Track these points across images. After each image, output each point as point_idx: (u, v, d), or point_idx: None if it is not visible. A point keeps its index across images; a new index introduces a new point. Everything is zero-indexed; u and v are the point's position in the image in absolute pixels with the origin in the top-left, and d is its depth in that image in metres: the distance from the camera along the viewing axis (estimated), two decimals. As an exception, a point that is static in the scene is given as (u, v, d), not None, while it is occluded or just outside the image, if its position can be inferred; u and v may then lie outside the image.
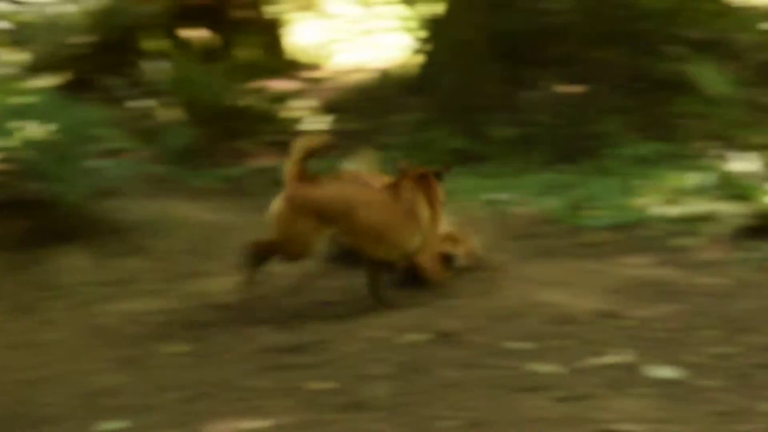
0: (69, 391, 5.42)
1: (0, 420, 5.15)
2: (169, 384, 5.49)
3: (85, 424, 5.06)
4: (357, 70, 12.30)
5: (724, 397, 4.88)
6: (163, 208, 8.28)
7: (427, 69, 11.20)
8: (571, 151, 9.60)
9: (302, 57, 12.71)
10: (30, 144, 8.08)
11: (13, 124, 8.22)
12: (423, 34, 11.57)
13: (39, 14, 12.71)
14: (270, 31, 11.49)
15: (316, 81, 12.05)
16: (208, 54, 9.98)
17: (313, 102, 11.37)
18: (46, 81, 11.87)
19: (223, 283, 7.10)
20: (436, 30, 11.16)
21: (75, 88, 11.28)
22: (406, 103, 10.89)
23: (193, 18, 10.59)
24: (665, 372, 5.21)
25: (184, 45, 10.16)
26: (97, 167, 8.11)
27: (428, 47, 11.28)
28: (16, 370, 5.85)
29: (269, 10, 12.20)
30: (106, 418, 5.06)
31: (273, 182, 9.30)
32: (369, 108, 11.00)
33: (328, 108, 11.17)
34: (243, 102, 10.20)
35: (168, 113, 10.33)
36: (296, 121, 10.73)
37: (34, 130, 8.22)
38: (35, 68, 12.38)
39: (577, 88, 10.23)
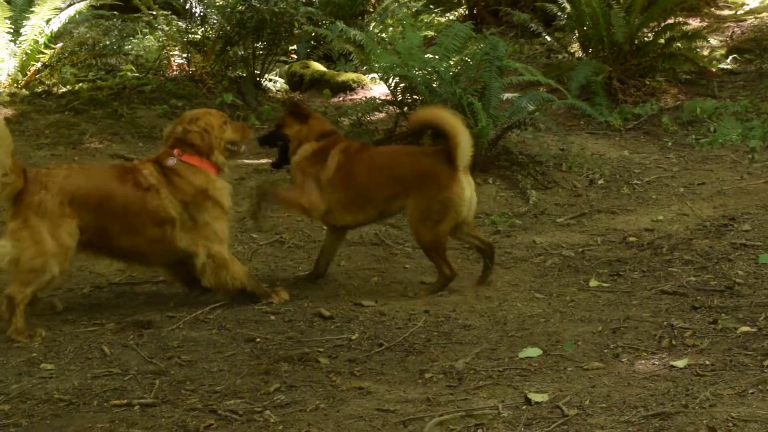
0: (487, 318, 5.55)
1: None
2: (588, 317, 5.51)
3: (506, 351, 5.17)
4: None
5: None
6: (573, 143, 8.29)
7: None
8: None
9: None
10: (443, 75, 8.23)
11: (424, 56, 8.37)
12: None
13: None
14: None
15: (727, 19, 11.73)
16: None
17: (722, 41, 11.09)
18: (453, 14, 12.17)
19: (635, 221, 7.10)
20: None
21: (480, 22, 11.50)
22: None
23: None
24: None
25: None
26: (508, 100, 8.19)
27: None
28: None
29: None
30: (523, 346, 5.14)
31: (682, 122, 9.21)
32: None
33: (737, 48, 10.86)
34: (653, 39, 10.01)
35: (576, 49, 10.34)
36: (707, 59, 10.48)
37: (446, 62, 8.35)
38: (439, 2, 12.67)
39: None
